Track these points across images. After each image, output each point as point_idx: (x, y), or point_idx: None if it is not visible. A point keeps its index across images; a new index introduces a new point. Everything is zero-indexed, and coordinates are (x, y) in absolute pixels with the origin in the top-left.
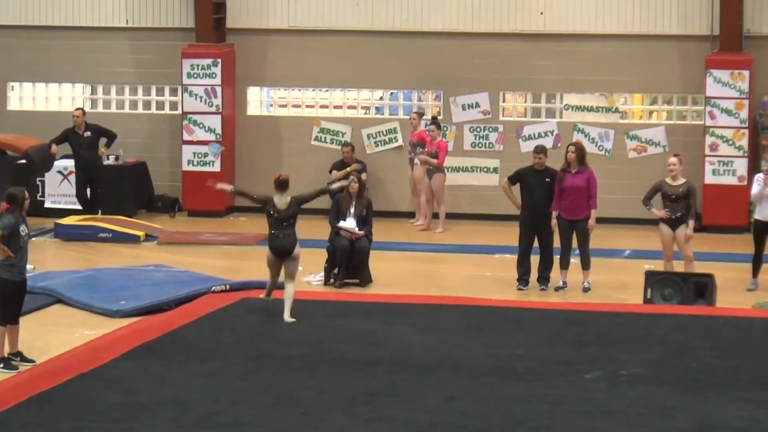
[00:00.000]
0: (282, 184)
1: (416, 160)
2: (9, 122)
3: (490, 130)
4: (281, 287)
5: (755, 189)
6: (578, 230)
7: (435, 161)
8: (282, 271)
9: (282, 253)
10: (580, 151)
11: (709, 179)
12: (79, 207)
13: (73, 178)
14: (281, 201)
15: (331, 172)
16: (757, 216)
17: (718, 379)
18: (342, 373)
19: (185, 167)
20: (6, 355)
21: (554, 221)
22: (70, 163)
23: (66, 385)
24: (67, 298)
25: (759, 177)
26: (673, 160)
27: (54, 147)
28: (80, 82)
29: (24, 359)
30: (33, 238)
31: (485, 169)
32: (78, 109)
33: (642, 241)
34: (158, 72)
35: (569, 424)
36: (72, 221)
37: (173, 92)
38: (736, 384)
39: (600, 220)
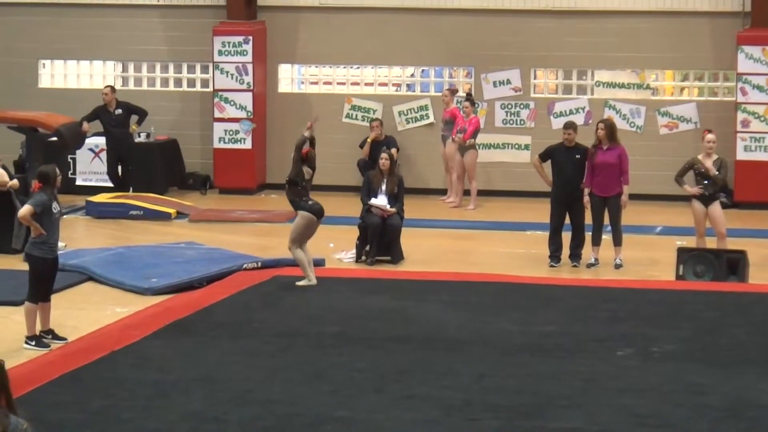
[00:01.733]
0: (309, 159)
1: (450, 138)
2: (40, 100)
3: (522, 107)
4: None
5: None
6: (610, 207)
7: (471, 140)
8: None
9: (322, 215)
10: (610, 127)
11: (741, 155)
12: (110, 184)
13: (104, 155)
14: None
15: (361, 147)
16: None
17: (750, 356)
18: (373, 350)
19: (216, 145)
20: (38, 333)
21: (586, 198)
22: (101, 141)
23: (97, 363)
24: (99, 276)
25: None
26: (711, 137)
27: (85, 125)
28: (111, 60)
29: (56, 337)
30: (64, 216)
31: (516, 146)
32: (107, 86)
33: (674, 217)
34: (189, 49)
35: (601, 401)
36: (103, 199)
37: (204, 69)
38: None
39: (632, 197)
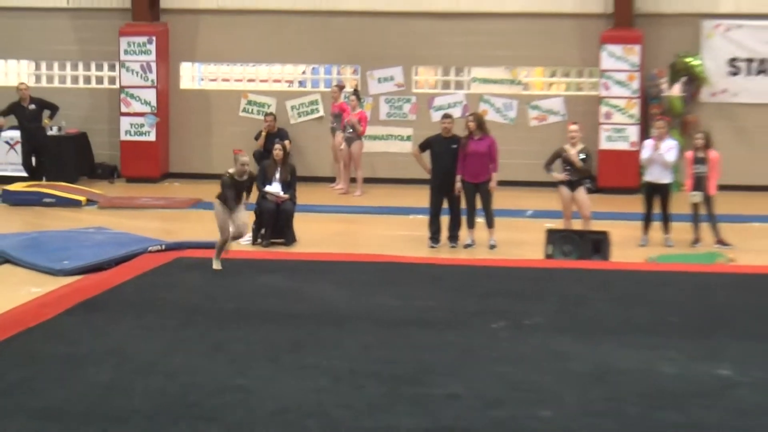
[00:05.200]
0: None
1: (338, 130)
2: None
3: (404, 101)
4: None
5: (645, 153)
6: (481, 192)
7: (359, 129)
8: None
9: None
10: (479, 120)
11: (604, 145)
12: (24, 174)
13: (19, 147)
14: None
15: (256, 139)
16: (647, 178)
17: (611, 327)
18: (268, 325)
19: (123, 137)
20: None
21: (458, 185)
22: (16, 134)
23: (14, 338)
24: (15, 259)
25: (648, 143)
26: (574, 127)
27: (0, 119)
28: (25, 59)
29: None
30: None
31: (399, 137)
32: (22, 83)
33: (543, 202)
34: (98, 49)
35: (477, 369)
36: (18, 188)
37: (111, 68)
38: (629, 331)
39: (505, 183)
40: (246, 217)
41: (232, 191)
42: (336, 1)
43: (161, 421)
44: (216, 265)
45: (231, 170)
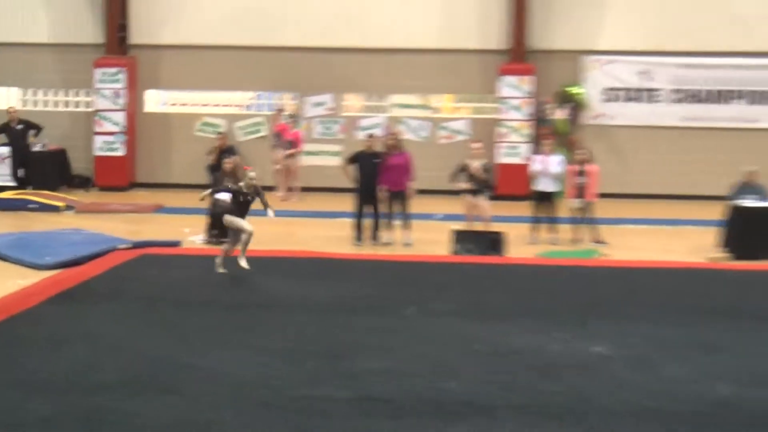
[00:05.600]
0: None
1: (279, 147)
2: None
3: (334, 122)
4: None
5: (535, 167)
6: (400, 198)
7: (297, 150)
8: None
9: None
10: (397, 138)
11: (502, 160)
12: (12, 184)
13: (8, 161)
14: None
15: (209, 155)
16: (536, 187)
17: (508, 313)
18: (220, 311)
19: (96, 153)
20: None
21: (381, 193)
22: (5, 150)
23: (2, 323)
24: (4, 255)
25: (538, 158)
26: (476, 145)
27: None
28: (14, 86)
29: None
30: None
31: (330, 153)
32: (11, 106)
33: (451, 207)
34: (75, 78)
35: (396, 348)
36: (7, 195)
37: (87, 94)
38: (522, 316)
39: (419, 191)
40: (249, 225)
41: (237, 202)
42: (278, 38)
43: (128, 393)
44: (243, 264)
45: (242, 183)
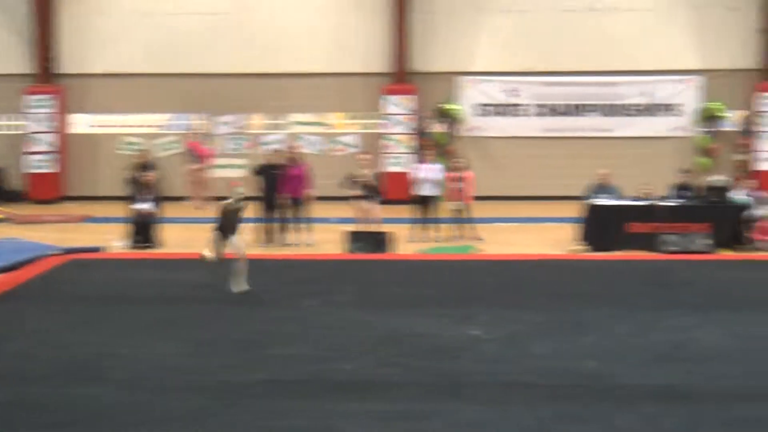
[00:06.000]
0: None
1: (193, 161)
2: None
3: (240, 139)
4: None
5: (418, 174)
6: (300, 205)
7: (207, 164)
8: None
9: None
10: (296, 152)
11: (388, 169)
12: None
13: None
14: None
15: (129, 170)
16: (419, 192)
17: (401, 301)
18: (145, 306)
19: (30, 170)
20: None
21: (283, 200)
22: None
23: None
24: None
25: (419, 167)
26: (365, 156)
27: None
28: None
29: None
30: None
31: (237, 166)
32: None
33: (344, 211)
34: (10, 104)
35: (301, 335)
36: None
37: (22, 119)
38: (411, 305)
39: (317, 198)
40: (241, 239)
41: (227, 218)
42: (189, 65)
43: (62, 381)
44: (237, 288)
45: (230, 200)
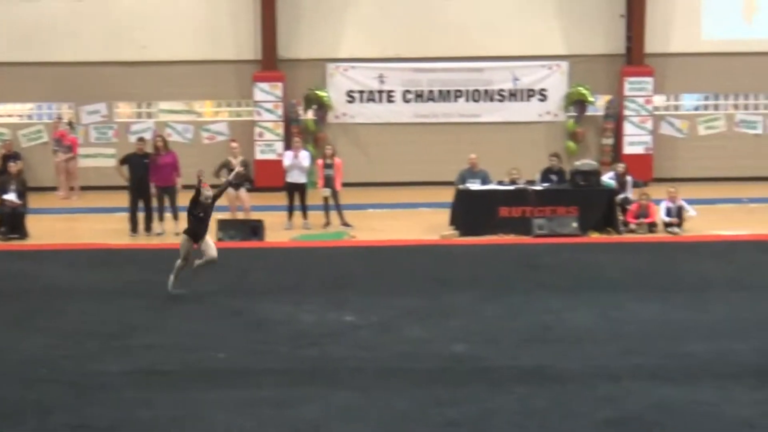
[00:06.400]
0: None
1: (59, 151)
2: None
3: (108, 128)
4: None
5: (287, 161)
6: (169, 193)
7: (75, 154)
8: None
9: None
10: (163, 140)
11: (259, 156)
12: None
13: None
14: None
15: None
16: (288, 179)
17: (268, 289)
18: (7, 299)
19: None
20: None
21: (153, 189)
22: None
23: None
24: None
25: (289, 153)
26: (234, 144)
27: None
28: None
29: None
30: None
31: (105, 155)
32: None
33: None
34: None
35: (169, 325)
36: None
37: None
38: (279, 291)
39: (186, 187)
40: (212, 243)
41: (194, 219)
42: (54, 54)
43: None
44: (172, 287)
45: (201, 197)
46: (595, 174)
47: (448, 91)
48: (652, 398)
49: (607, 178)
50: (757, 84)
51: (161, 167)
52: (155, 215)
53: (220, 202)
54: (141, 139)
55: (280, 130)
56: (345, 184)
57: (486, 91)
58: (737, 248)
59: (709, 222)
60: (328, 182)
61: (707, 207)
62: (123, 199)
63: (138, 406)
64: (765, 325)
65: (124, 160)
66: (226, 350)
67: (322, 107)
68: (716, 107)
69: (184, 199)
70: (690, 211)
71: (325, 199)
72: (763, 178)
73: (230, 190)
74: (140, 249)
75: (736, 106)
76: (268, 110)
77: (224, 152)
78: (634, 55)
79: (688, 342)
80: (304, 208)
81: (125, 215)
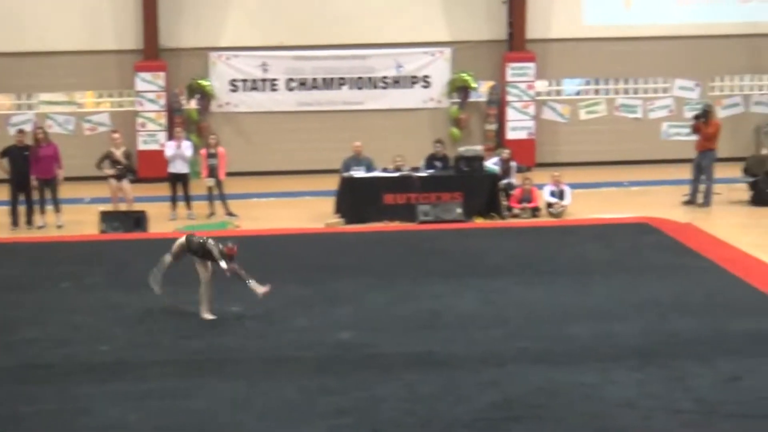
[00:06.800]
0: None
1: None
2: None
3: None
4: None
5: (169, 152)
6: (51, 186)
7: None
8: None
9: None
10: (44, 132)
11: (141, 147)
12: None
13: None
14: None
15: None
16: (171, 170)
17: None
18: None
19: None
20: None
21: (34, 182)
22: None
23: None
24: None
25: (171, 143)
26: (116, 135)
27: None
28: None
29: None
30: None
31: None
32: None
33: (97, 191)
34: None
35: (51, 318)
36: None
37: None
38: (168, 284)
39: (68, 179)
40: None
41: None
42: None
43: None
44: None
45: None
46: (479, 159)
47: (332, 79)
48: (536, 381)
49: (491, 164)
50: (637, 69)
51: (42, 159)
52: (36, 208)
53: (103, 193)
54: (21, 131)
55: (163, 120)
56: (229, 174)
57: (369, 79)
58: (618, 231)
59: (591, 205)
60: (212, 172)
61: (589, 191)
62: (3, 193)
63: (20, 401)
64: (645, 307)
65: (4, 153)
66: (110, 343)
67: (205, 96)
68: (597, 92)
69: (66, 191)
70: (567, 198)
71: (209, 188)
72: (643, 162)
73: (112, 181)
74: (22, 243)
75: (616, 91)
76: (150, 100)
77: (106, 143)
78: (516, 41)
79: (571, 325)
80: (188, 198)
81: (5, 209)
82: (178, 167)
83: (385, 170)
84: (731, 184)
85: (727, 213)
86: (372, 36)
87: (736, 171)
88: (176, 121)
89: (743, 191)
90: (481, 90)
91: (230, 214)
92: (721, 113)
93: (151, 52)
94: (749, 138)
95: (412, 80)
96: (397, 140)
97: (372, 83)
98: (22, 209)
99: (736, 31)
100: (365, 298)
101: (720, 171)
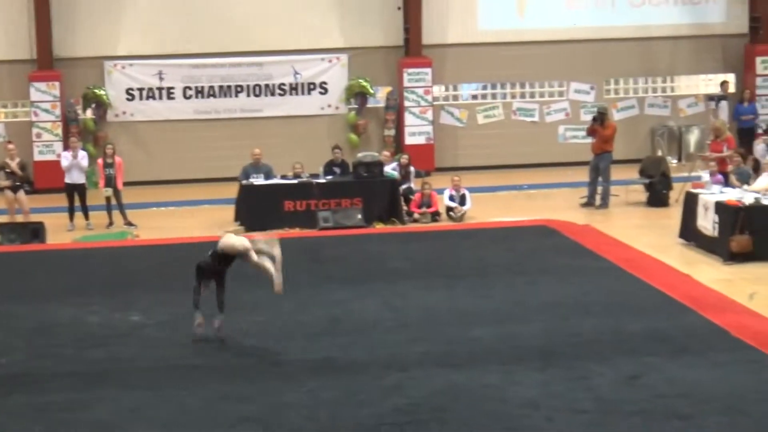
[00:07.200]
0: None
1: None
2: None
3: None
4: None
5: (65, 162)
6: None
7: None
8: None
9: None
10: None
11: (38, 157)
12: None
13: None
14: None
15: None
16: (68, 180)
17: (53, 293)
18: None
19: None
20: None
21: None
22: None
23: None
24: None
25: (67, 153)
26: (11, 146)
27: None
28: None
29: None
30: None
31: None
32: None
33: None
34: None
35: None
36: None
37: None
38: (67, 294)
39: None
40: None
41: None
42: None
43: None
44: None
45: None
46: (378, 165)
47: (229, 87)
48: (439, 384)
49: (390, 169)
50: (533, 73)
51: None
52: None
53: (0, 205)
54: None
55: (59, 131)
56: (127, 183)
57: (267, 86)
58: (518, 234)
59: (491, 209)
60: (110, 182)
61: (488, 195)
62: None
63: None
64: (545, 308)
65: None
66: (8, 355)
67: (101, 106)
68: (494, 96)
69: None
70: (467, 203)
71: (107, 198)
72: (541, 165)
73: (8, 193)
74: None
75: (513, 95)
76: (45, 110)
77: (1, 154)
78: (412, 47)
79: (474, 327)
80: (86, 209)
81: None
82: (75, 177)
83: (284, 177)
84: (628, 186)
85: (625, 214)
86: (269, 43)
87: (632, 173)
88: (72, 131)
89: (640, 192)
90: (379, 96)
91: (129, 224)
92: (616, 116)
93: (45, 61)
94: (645, 140)
95: (310, 87)
96: (295, 147)
97: (269, 90)
98: None
99: (629, 34)
100: (267, 305)
101: (617, 173)
